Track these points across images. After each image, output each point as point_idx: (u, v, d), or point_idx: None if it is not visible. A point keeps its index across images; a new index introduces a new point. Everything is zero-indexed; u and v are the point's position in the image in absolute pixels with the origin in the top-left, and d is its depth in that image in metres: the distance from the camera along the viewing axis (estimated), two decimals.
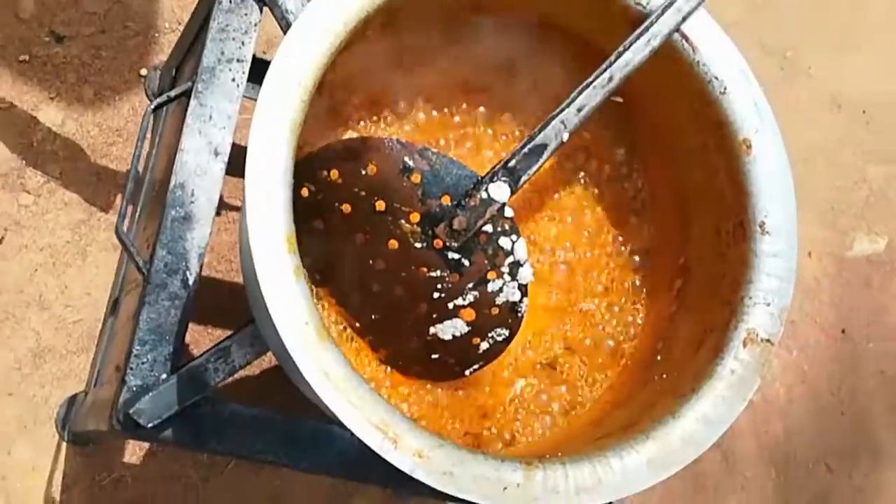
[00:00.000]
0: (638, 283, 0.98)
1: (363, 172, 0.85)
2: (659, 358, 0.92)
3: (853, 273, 1.64)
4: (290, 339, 0.72)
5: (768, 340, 0.84)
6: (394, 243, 0.87)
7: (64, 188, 1.36)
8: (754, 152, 0.87)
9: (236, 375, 0.93)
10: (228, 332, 0.90)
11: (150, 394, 0.88)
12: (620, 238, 0.98)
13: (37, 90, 1.37)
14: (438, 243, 0.86)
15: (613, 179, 0.98)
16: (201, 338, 1.35)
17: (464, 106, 0.96)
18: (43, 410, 1.30)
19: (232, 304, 1.36)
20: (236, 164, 0.86)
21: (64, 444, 1.29)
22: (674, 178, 0.95)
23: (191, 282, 0.94)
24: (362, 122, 0.93)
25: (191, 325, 0.95)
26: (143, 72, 1.43)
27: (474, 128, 0.95)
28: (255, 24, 1.00)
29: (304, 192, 0.86)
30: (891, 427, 1.60)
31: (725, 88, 0.88)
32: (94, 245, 1.37)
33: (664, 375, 0.89)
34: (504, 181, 0.85)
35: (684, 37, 0.87)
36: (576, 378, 0.95)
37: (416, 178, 0.85)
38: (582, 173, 0.98)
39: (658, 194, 0.97)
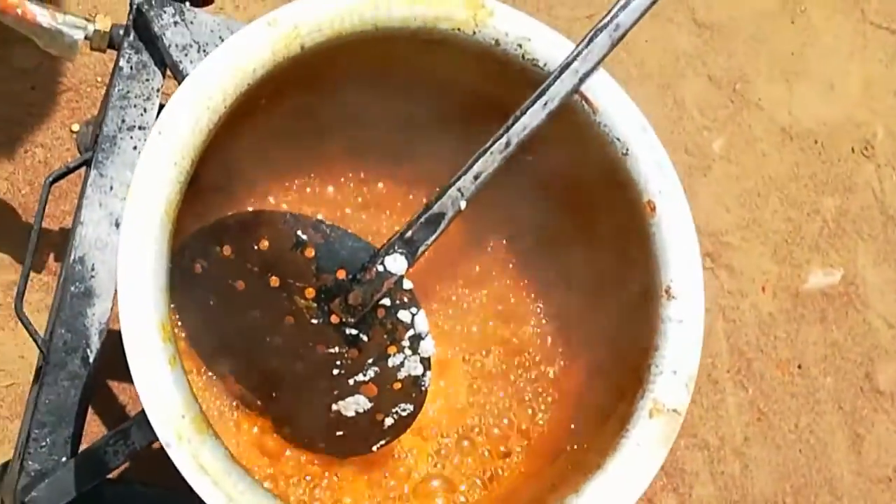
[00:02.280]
0: (558, 348, 0.95)
1: (255, 247, 0.83)
2: (573, 427, 0.89)
3: (808, 307, 1.61)
4: (165, 434, 0.70)
5: (675, 410, 0.82)
6: (290, 319, 0.84)
7: None
8: (658, 214, 0.85)
9: None
10: None
11: (46, 480, 0.86)
12: (539, 305, 0.96)
13: None
14: (335, 318, 0.84)
15: (529, 247, 0.95)
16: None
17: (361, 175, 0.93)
18: None
19: None
20: None
21: None
22: (589, 241, 0.93)
23: (91, 360, 0.91)
24: (265, 195, 0.91)
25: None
26: (76, 127, 1.41)
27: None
28: (158, 90, 0.98)
29: (197, 268, 0.84)
30: (849, 463, 1.57)
31: (627, 150, 0.85)
32: (27, 306, 1.33)
33: (575, 446, 0.86)
34: (401, 253, 0.83)
35: (584, 98, 0.85)
36: (490, 447, 0.92)
37: (309, 252, 0.83)
38: (492, 244, 0.95)
39: (572, 257, 0.94)
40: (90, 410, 1.22)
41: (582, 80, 0.83)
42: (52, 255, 1.36)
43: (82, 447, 0.89)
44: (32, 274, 1.33)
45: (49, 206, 1.34)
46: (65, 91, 1.41)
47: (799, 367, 1.59)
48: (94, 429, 1.29)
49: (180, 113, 0.75)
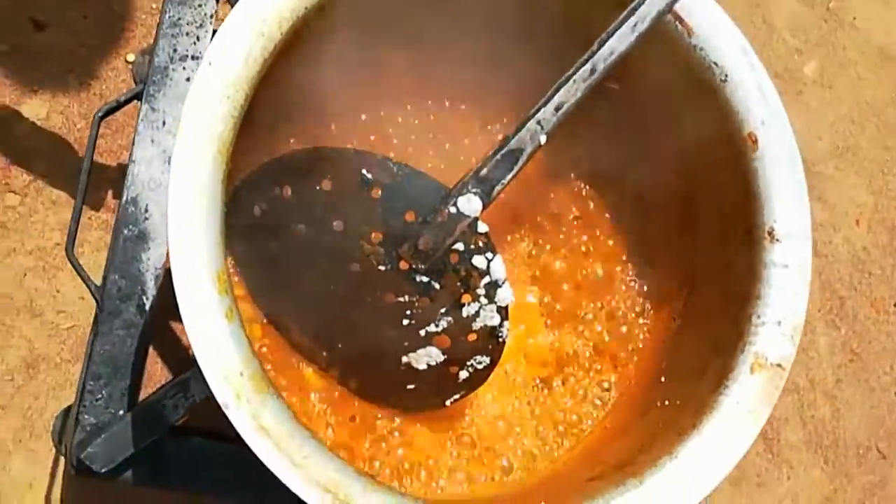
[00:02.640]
0: (644, 289, 0.87)
1: (317, 188, 0.76)
2: (662, 379, 0.82)
3: None
4: (223, 394, 0.64)
5: (779, 365, 0.74)
6: (355, 266, 0.77)
7: (51, 186, 1.29)
8: (761, 147, 0.76)
9: None
10: None
11: (103, 436, 0.81)
12: (620, 243, 0.88)
13: (18, 82, 1.30)
14: (405, 265, 0.77)
15: (611, 179, 0.87)
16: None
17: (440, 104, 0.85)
18: (38, 423, 1.25)
19: None
20: None
21: (62, 459, 1.23)
22: (678, 178, 0.84)
23: (147, 307, 0.86)
24: (327, 131, 0.84)
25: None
26: (131, 57, 1.35)
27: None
28: (211, 16, 0.91)
29: (256, 211, 0.78)
30: None
31: (726, 76, 0.76)
32: (85, 246, 1.30)
33: (666, 402, 0.79)
34: (475, 193, 0.75)
35: (677, 18, 0.76)
36: (573, 397, 0.85)
37: (375, 193, 0.76)
38: (573, 174, 0.87)
39: (661, 196, 0.86)
40: (154, 354, 1.19)
41: None
42: (109, 193, 1.31)
43: (142, 397, 0.84)
44: (91, 212, 1.29)
45: (105, 141, 1.29)
46: (119, 20, 1.35)
47: (895, 305, 1.50)
48: (158, 372, 1.25)
49: (232, 42, 0.68)
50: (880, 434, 1.48)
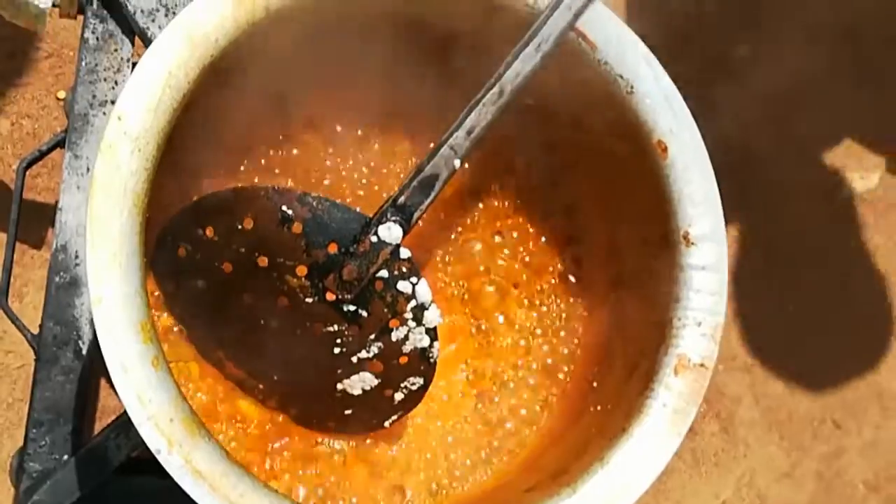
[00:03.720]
0: (574, 299, 0.89)
1: (239, 227, 0.77)
2: (595, 385, 0.84)
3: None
4: (154, 441, 0.65)
5: (702, 365, 0.76)
6: (283, 300, 0.79)
7: None
8: (671, 154, 0.78)
9: None
10: None
11: (48, 482, 0.82)
12: (548, 254, 0.89)
13: None
14: (331, 296, 0.78)
15: (535, 193, 0.89)
16: None
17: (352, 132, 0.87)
18: None
19: None
20: None
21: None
22: (597, 188, 0.86)
23: (84, 351, 0.87)
24: (243, 171, 0.85)
25: None
26: (62, 94, 1.35)
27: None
28: (128, 60, 0.92)
29: (182, 252, 0.79)
30: None
31: (632, 87, 0.78)
32: (30, 285, 1.30)
33: (598, 407, 0.81)
34: (395, 221, 0.77)
35: (580, 35, 0.78)
36: (509, 409, 0.87)
37: (297, 228, 0.77)
38: (495, 190, 0.89)
39: (584, 206, 0.88)
40: (106, 385, 1.20)
41: (577, 16, 0.76)
42: (50, 230, 1.31)
43: (97, 429, 0.85)
44: (34, 251, 1.30)
45: (42, 180, 1.30)
46: (46, 57, 1.36)
47: None
48: (113, 403, 1.25)
49: (139, 95, 0.69)
50: (833, 406, 1.51)
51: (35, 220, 1.29)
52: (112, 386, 1.22)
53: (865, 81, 1.60)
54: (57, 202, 0.89)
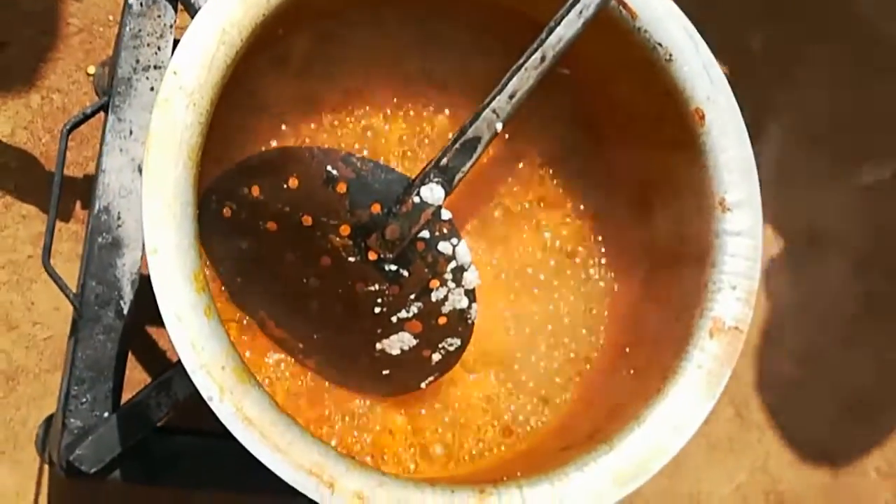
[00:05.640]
0: (607, 267, 0.90)
1: (285, 186, 0.79)
2: (628, 350, 0.85)
3: None
4: (207, 388, 0.67)
5: (736, 328, 0.78)
6: (326, 259, 0.80)
7: (20, 201, 1.31)
8: (708, 121, 0.80)
9: None
10: None
11: (90, 438, 0.83)
12: (578, 217, 0.91)
13: None
14: (373, 255, 0.80)
15: (569, 163, 0.90)
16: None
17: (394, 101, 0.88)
18: (22, 433, 1.26)
19: None
20: None
21: (47, 467, 1.25)
22: (632, 157, 0.88)
23: (125, 310, 0.88)
24: (292, 131, 0.86)
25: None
26: (91, 70, 1.36)
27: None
28: (171, 26, 0.93)
29: (227, 211, 0.80)
30: None
31: (671, 55, 0.80)
32: (58, 257, 1.32)
33: (632, 371, 0.83)
34: (437, 182, 0.78)
35: (621, 3, 0.80)
36: (545, 373, 0.89)
37: (341, 187, 0.78)
38: (532, 158, 0.90)
39: (618, 176, 0.90)
40: (131, 359, 1.21)
41: None
42: (78, 203, 1.33)
43: (125, 399, 0.86)
44: (60, 223, 1.31)
45: (71, 154, 1.31)
46: (77, 33, 1.37)
47: None
48: (137, 376, 1.27)
49: (195, 50, 0.70)
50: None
51: (63, 193, 1.30)
52: (137, 357, 1.25)
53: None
54: (98, 165, 0.90)
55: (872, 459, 1.53)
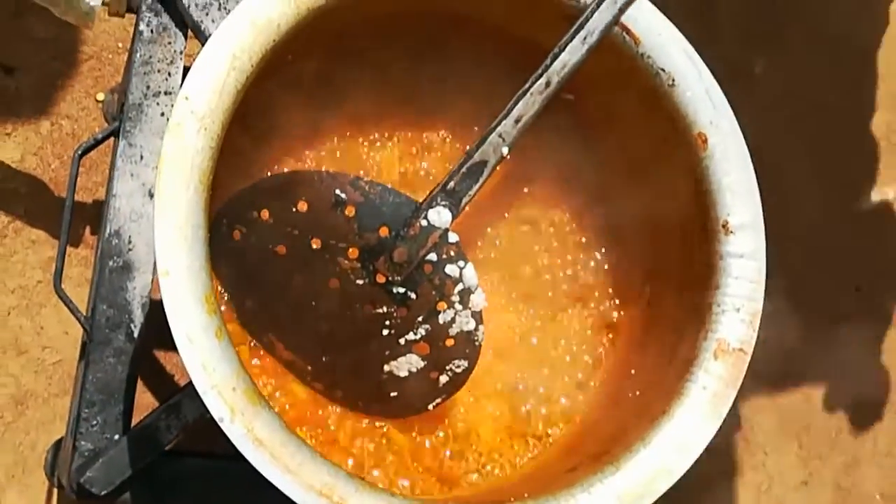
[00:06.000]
0: (611, 289, 0.91)
1: (294, 210, 0.80)
2: (633, 372, 0.86)
3: None
4: (218, 409, 0.68)
5: (741, 349, 0.78)
6: (334, 282, 0.81)
7: (30, 226, 1.32)
8: (711, 145, 0.81)
9: None
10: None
11: (100, 460, 0.84)
12: (583, 240, 0.92)
13: None
14: (381, 278, 0.81)
15: (574, 187, 0.92)
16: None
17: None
18: (31, 458, 1.27)
19: None
20: None
21: (56, 491, 1.26)
22: (635, 181, 0.89)
23: (136, 334, 0.89)
24: (300, 155, 0.88)
25: None
26: (100, 96, 1.38)
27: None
28: (181, 53, 0.95)
29: (237, 235, 0.81)
30: None
31: (674, 80, 0.81)
32: (67, 282, 1.31)
33: (637, 393, 0.83)
34: (444, 205, 0.80)
35: (625, 29, 0.81)
36: (549, 397, 0.89)
37: (349, 211, 0.80)
38: (537, 182, 0.91)
39: (621, 199, 0.91)
40: (139, 383, 1.22)
41: (622, 10, 0.79)
42: (87, 229, 1.34)
43: (134, 422, 0.87)
44: (70, 248, 1.32)
45: (80, 179, 1.32)
46: (86, 60, 1.38)
47: (857, 289, 1.55)
48: (146, 400, 1.27)
49: (206, 76, 0.72)
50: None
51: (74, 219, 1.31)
52: (146, 382, 1.25)
53: None
54: (109, 189, 0.91)
55: (876, 483, 1.53)
